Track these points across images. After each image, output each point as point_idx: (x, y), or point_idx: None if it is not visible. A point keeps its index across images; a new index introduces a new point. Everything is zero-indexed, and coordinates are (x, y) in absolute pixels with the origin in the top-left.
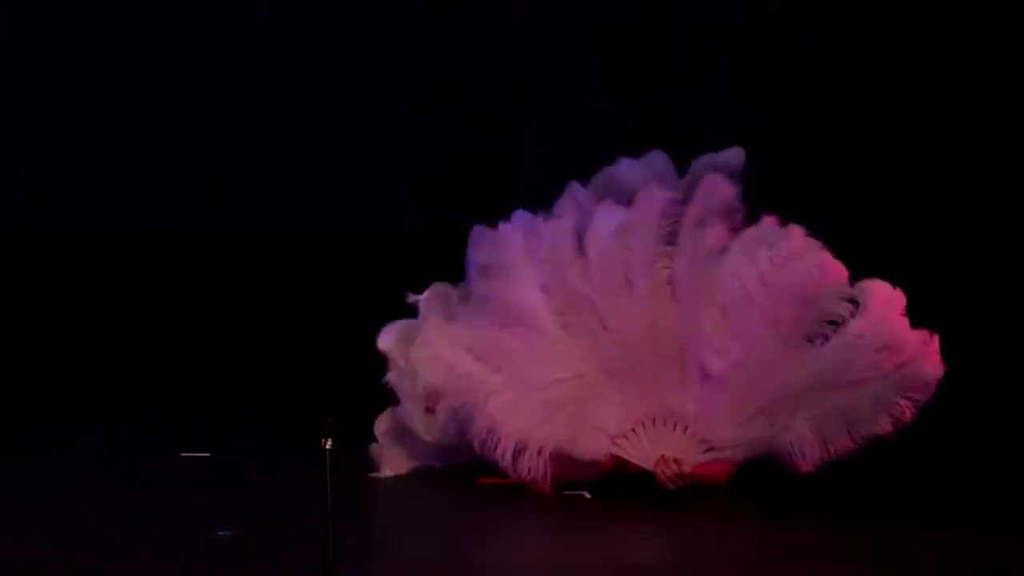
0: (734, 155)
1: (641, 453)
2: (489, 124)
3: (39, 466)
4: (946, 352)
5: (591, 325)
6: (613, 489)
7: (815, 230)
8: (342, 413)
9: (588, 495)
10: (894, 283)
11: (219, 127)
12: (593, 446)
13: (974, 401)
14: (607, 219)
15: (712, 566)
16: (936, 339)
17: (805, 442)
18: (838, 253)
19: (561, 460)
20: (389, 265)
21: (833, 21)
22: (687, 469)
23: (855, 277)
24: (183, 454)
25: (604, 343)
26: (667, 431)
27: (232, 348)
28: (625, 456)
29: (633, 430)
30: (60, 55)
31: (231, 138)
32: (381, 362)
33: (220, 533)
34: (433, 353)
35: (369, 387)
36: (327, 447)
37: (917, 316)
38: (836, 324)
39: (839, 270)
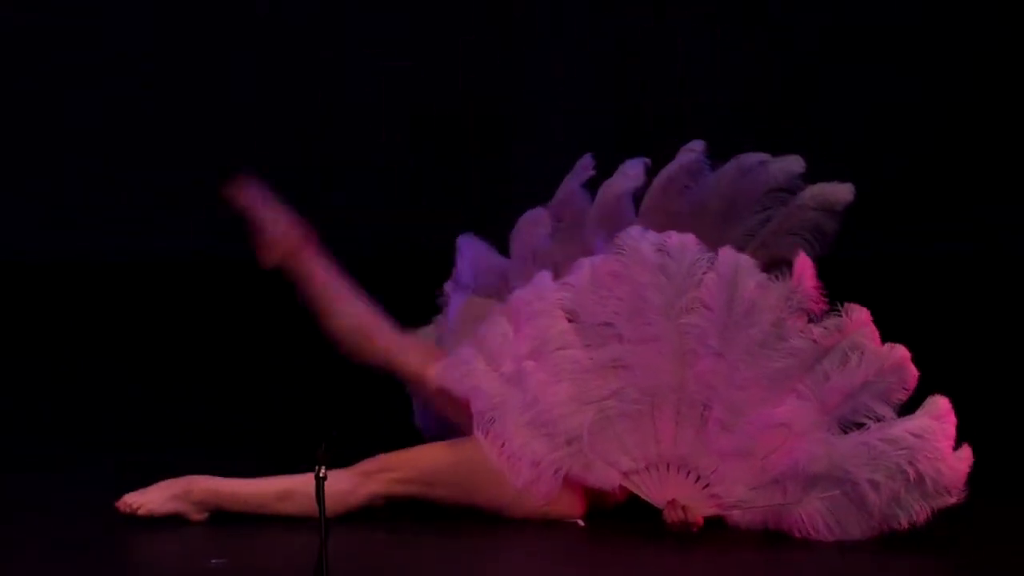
0: (846, 191)
1: (651, 493)
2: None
3: (32, 490)
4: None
5: (615, 362)
6: (607, 514)
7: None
8: (336, 440)
9: (582, 523)
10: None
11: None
12: (604, 477)
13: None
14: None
15: None
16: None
17: (817, 519)
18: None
19: (567, 486)
20: (388, 287)
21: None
22: (693, 518)
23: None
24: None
25: (626, 382)
26: (680, 478)
27: (227, 373)
28: (635, 492)
29: (646, 468)
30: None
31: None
32: (375, 389)
33: (213, 561)
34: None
35: (364, 414)
36: (321, 475)
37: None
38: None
39: (909, 375)
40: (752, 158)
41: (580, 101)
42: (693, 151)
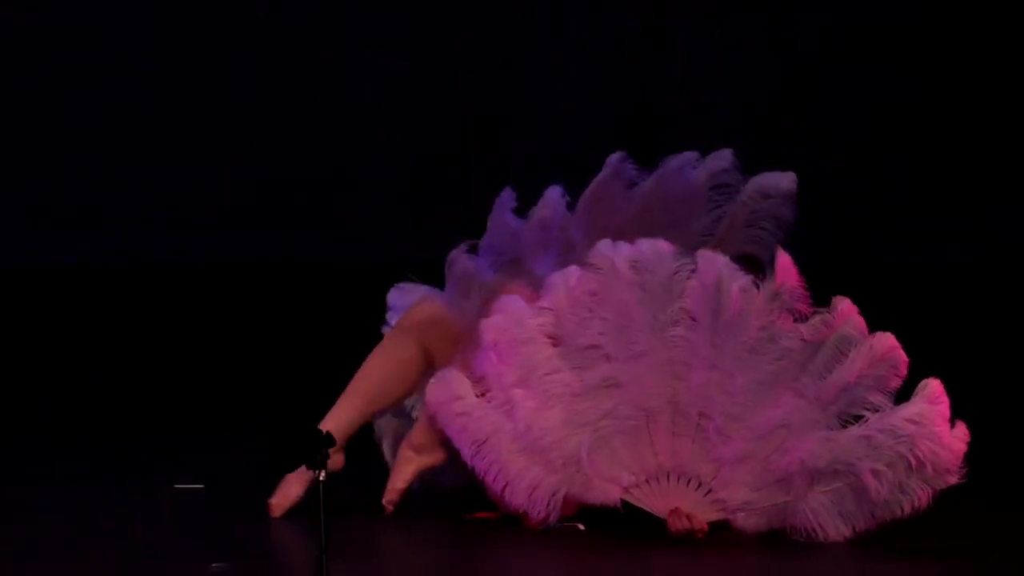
0: (787, 180)
1: (654, 504)
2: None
3: (30, 495)
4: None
5: (606, 381)
6: (609, 519)
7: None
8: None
9: (582, 527)
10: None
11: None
12: (604, 494)
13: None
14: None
15: None
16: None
17: (822, 513)
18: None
19: (567, 502)
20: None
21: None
22: (698, 525)
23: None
24: (176, 485)
25: (618, 401)
26: (681, 486)
27: (227, 378)
28: (637, 504)
29: (647, 481)
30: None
31: (227, 162)
32: None
33: (213, 565)
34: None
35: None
36: (320, 478)
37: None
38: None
39: (900, 361)
40: (679, 160)
41: (580, 101)
42: (612, 166)
